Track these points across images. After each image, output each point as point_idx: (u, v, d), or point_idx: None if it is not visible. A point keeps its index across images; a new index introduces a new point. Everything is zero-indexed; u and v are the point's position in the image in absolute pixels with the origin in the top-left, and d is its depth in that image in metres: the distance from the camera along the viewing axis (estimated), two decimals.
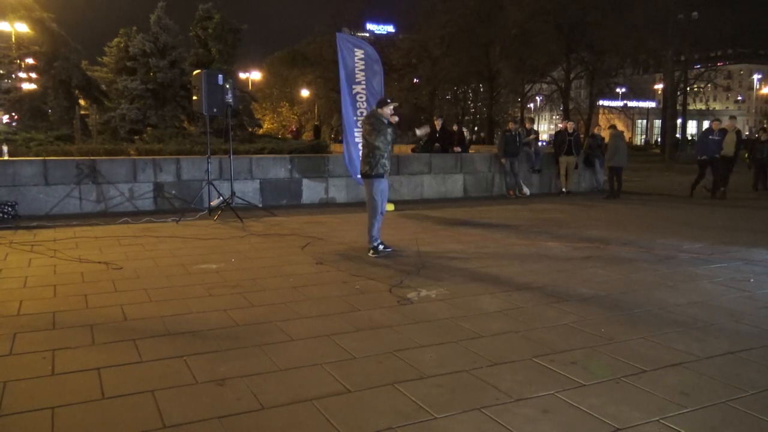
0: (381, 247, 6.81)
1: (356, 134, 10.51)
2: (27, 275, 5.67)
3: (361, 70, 10.40)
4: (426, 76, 48.10)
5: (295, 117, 55.52)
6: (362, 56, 10.40)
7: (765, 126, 19.94)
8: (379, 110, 6.72)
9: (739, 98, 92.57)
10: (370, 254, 6.68)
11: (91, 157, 11.13)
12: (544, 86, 52.13)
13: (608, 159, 13.55)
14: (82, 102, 21.31)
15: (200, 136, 17.38)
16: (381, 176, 6.65)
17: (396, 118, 6.75)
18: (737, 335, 4.10)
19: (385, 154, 6.62)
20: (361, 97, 10.44)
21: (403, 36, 54.60)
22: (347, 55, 10.42)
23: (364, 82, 10.41)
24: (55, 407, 2.92)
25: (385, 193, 6.82)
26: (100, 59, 23.08)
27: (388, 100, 6.79)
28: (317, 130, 33.39)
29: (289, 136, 35.85)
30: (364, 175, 6.76)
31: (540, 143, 17.91)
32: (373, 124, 6.62)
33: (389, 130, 6.59)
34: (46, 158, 10.76)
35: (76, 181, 10.02)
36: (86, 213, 9.91)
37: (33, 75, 20.63)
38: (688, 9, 32.54)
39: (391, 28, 64.23)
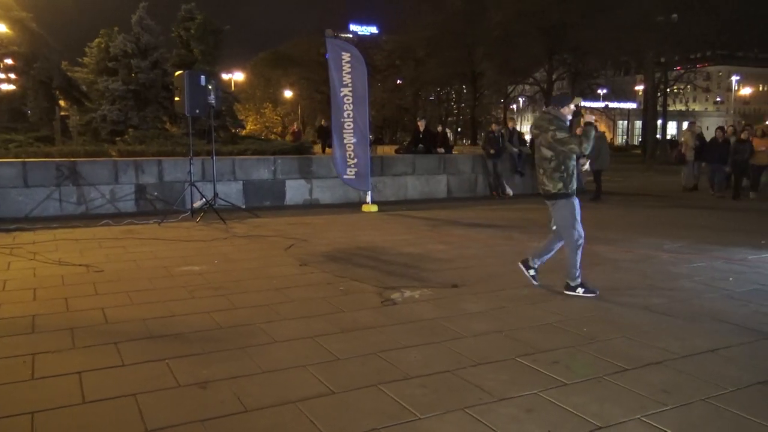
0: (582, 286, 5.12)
1: (344, 136, 10.58)
2: (6, 278, 5.59)
3: (347, 73, 10.47)
4: (409, 77, 48.23)
5: (279, 118, 55.20)
6: (349, 59, 10.48)
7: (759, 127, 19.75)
8: (560, 109, 5.08)
9: (718, 99, 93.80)
10: (579, 292, 5.07)
11: (72, 159, 10.99)
12: (527, 87, 52.50)
13: (593, 162, 13.40)
14: (62, 103, 21.02)
15: (182, 137, 17.22)
16: (577, 192, 5.20)
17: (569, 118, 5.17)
18: (717, 333, 4.15)
19: (573, 164, 5.11)
20: (347, 99, 10.51)
21: (387, 37, 54.71)
22: (336, 58, 10.50)
23: (350, 85, 10.46)
24: (35, 412, 2.88)
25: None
26: (80, 60, 22.77)
27: (572, 97, 5.24)
28: (322, 132, 25.21)
29: (289, 138, 27.60)
30: (554, 196, 5.10)
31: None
32: (556, 123, 4.98)
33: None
34: (26, 160, 10.60)
35: (56, 182, 9.90)
36: (67, 215, 9.80)
37: (12, 75, 20.28)
38: (668, 11, 32.93)
39: (374, 29, 64.33)
